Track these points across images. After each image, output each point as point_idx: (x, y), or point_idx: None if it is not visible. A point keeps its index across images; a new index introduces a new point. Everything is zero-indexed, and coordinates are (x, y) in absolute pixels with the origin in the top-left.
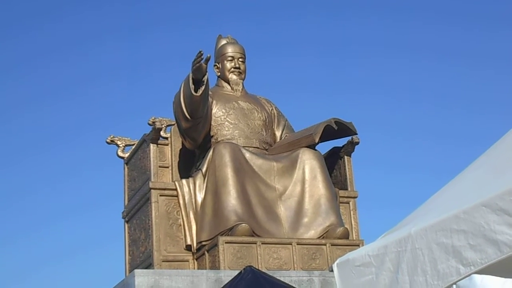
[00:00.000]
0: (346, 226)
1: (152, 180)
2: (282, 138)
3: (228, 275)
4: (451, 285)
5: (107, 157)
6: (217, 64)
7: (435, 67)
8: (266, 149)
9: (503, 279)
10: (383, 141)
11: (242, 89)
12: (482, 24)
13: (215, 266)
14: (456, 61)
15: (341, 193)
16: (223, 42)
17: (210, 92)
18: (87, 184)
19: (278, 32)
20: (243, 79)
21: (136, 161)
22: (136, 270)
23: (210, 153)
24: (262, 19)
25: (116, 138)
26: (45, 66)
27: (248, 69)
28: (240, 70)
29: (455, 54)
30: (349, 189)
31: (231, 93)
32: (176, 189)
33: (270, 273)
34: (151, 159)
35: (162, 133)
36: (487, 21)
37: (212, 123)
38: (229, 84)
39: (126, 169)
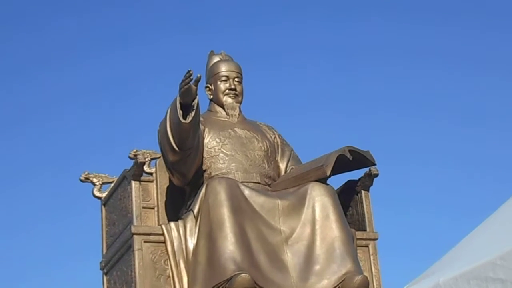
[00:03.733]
0: (365, 273)
1: (135, 223)
2: (288, 171)
3: None
4: None
5: (81, 197)
6: (209, 85)
7: (467, 80)
8: (269, 185)
9: None
10: (406, 172)
11: (239, 114)
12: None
13: None
14: (489, 73)
15: (359, 234)
16: (216, 59)
17: (201, 119)
18: (59, 230)
19: (277, 43)
20: (240, 103)
21: (116, 202)
22: None
23: (203, 190)
24: (258, 27)
25: (92, 175)
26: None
27: (246, 90)
28: (236, 92)
29: (485, 63)
30: (367, 229)
31: (226, 119)
32: (163, 234)
33: None
34: (133, 199)
35: (145, 168)
36: None
37: (205, 155)
38: (223, 108)
39: (103, 211)
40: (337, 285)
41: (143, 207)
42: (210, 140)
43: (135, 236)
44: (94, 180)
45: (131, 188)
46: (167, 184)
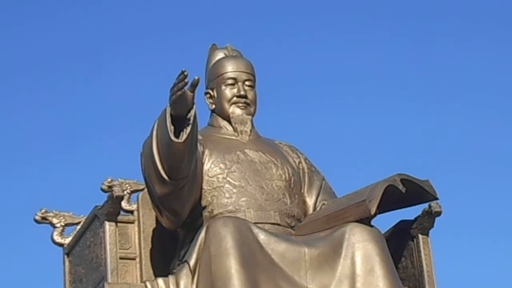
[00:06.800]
0: None
1: (109, 280)
2: (318, 208)
3: None
4: None
5: (37, 244)
6: (210, 91)
7: None
8: (292, 227)
9: None
10: (478, 208)
11: (251, 131)
12: None
13: None
14: None
15: None
16: (220, 55)
17: (200, 137)
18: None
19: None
20: (252, 115)
21: (83, 250)
22: None
23: (202, 234)
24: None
25: (51, 214)
26: None
27: (261, 98)
28: (248, 101)
29: None
30: None
31: (234, 138)
32: None
33: None
34: (107, 247)
35: (123, 204)
36: None
37: (204, 186)
38: (230, 122)
39: (67, 262)
40: None
41: (121, 258)
42: (212, 166)
43: None
44: (54, 220)
45: (104, 232)
46: (153, 226)
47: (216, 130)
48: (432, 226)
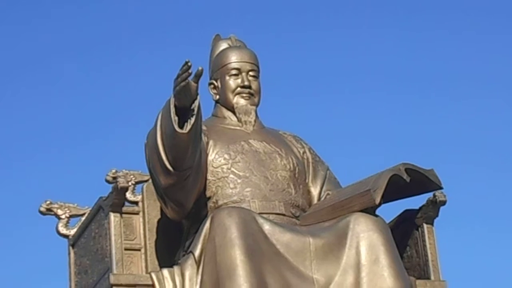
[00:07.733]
0: None
1: (115, 271)
2: (322, 198)
3: None
4: None
5: (42, 235)
6: (214, 82)
7: None
8: (297, 217)
9: None
10: (484, 197)
11: (255, 121)
12: None
13: None
14: None
15: (420, 284)
16: (223, 46)
17: (204, 127)
18: (9, 275)
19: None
20: (257, 105)
21: (88, 241)
22: None
23: (207, 225)
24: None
25: (56, 205)
26: None
27: (265, 88)
28: (252, 91)
29: None
30: (432, 277)
31: (238, 128)
32: (153, 286)
33: None
34: (112, 238)
35: (128, 195)
36: None
37: (209, 176)
38: (234, 113)
39: (72, 254)
40: None
41: (126, 249)
42: (216, 157)
43: None
44: (59, 212)
45: (109, 223)
46: (158, 217)
47: (220, 121)
48: (437, 215)
